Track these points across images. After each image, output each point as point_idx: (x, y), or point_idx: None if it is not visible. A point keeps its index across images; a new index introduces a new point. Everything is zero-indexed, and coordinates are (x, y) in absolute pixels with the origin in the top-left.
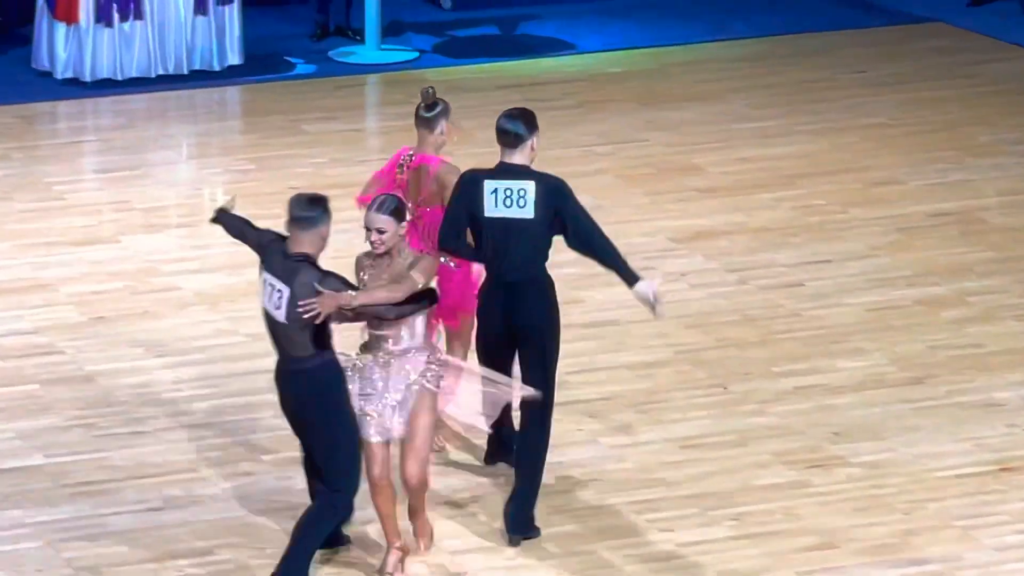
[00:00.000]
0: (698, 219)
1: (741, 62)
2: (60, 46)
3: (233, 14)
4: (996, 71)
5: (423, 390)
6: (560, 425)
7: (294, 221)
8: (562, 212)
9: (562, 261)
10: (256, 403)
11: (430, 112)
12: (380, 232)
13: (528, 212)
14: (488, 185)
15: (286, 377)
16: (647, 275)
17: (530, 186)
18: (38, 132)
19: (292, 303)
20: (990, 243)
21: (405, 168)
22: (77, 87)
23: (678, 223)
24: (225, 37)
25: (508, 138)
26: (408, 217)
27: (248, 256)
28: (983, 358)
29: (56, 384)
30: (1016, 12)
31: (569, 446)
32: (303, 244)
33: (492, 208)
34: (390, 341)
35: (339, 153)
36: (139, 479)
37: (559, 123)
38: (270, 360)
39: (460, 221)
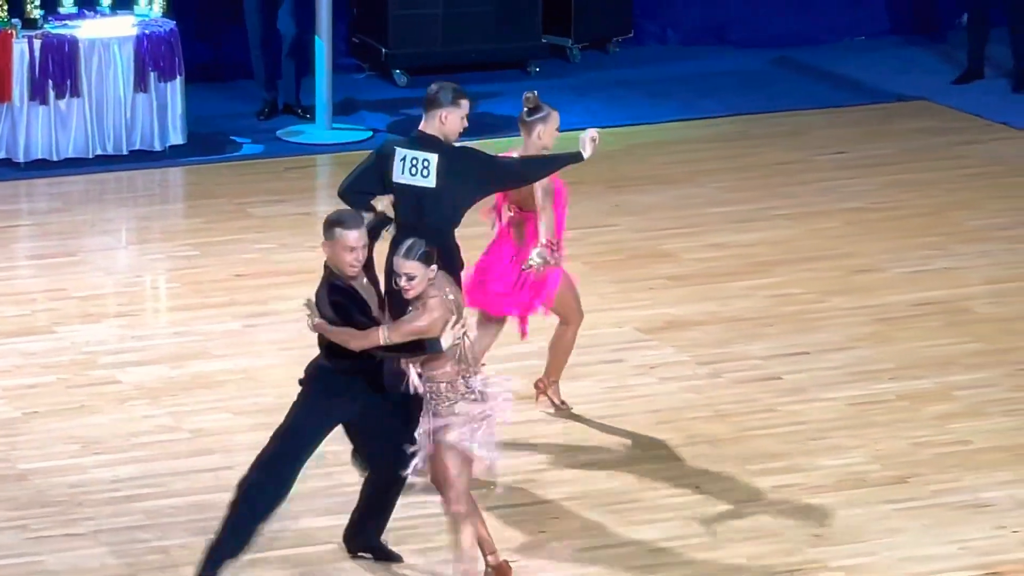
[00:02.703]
0: (668, 309)
1: (713, 143)
2: None
3: (175, 91)
4: (983, 152)
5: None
6: (524, 526)
7: None
8: (478, 173)
9: (524, 353)
10: (201, 503)
11: (529, 117)
12: (409, 278)
13: (430, 182)
14: (399, 152)
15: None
16: (615, 368)
17: (433, 157)
18: None
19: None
20: (977, 334)
21: None
22: (10, 168)
23: (647, 313)
24: (167, 115)
25: (425, 102)
26: (506, 219)
27: (192, 347)
28: (970, 455)
29: None
30: (1004, 90)
31: (533, 548)
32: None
33: (399, 174)
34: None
35: (288, 238)
36: None
37: None
38: (215, 458)
39: (365, 178)
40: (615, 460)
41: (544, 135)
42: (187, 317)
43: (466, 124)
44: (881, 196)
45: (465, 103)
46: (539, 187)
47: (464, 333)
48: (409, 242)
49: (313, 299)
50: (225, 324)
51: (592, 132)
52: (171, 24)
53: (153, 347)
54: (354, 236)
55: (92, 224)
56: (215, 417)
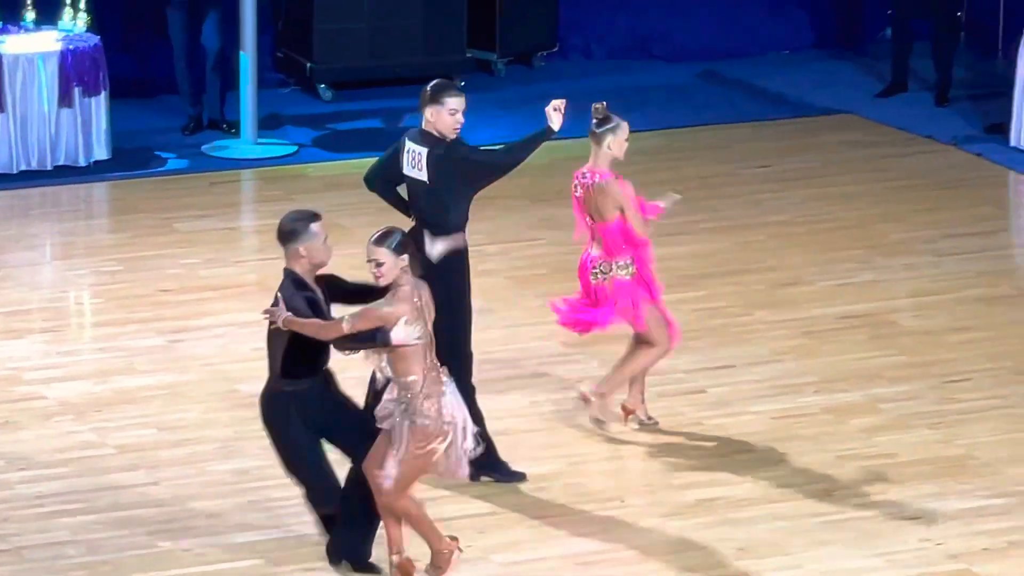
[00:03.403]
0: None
1: (637, 156)
2: None
3: (100, 106)
4: (908, 165)
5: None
6: None
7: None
8: (460, 169)
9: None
10: (125, 519)
11: (599, 128)
12: (378, 264)
13: (423, 175)
14: (407, 145)
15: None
16: (540, 382)
17: (424, 151)
18: None
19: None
20: (901, 347)
21: (579, 186)
22: None
23: None
24: (92, 130)
25: (419, 100)
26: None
27: (117, 363)
28: (895, 468)
29: None
30: (927, 103)
31: (458, 563)
32: (288, 259)
33: (406, 167)
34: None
35: (213, 253)
36: None
37: None
38: (140, 473)
39: (383, 164)
40: (540, 474)
41: (614, 145)
42: (112, 333)
43: (460, 121)
44: (806, 209)
45: (450, 101)
46: (609, 201)
47: (420, 337)
48: (384, 229)
49: (279, 300)
50: (150, 340)
51: (556, 102)
52: (96, 39)
53: (78, 363)
54: (321, 225)
55: (16, 239)
56: (140, 433)
